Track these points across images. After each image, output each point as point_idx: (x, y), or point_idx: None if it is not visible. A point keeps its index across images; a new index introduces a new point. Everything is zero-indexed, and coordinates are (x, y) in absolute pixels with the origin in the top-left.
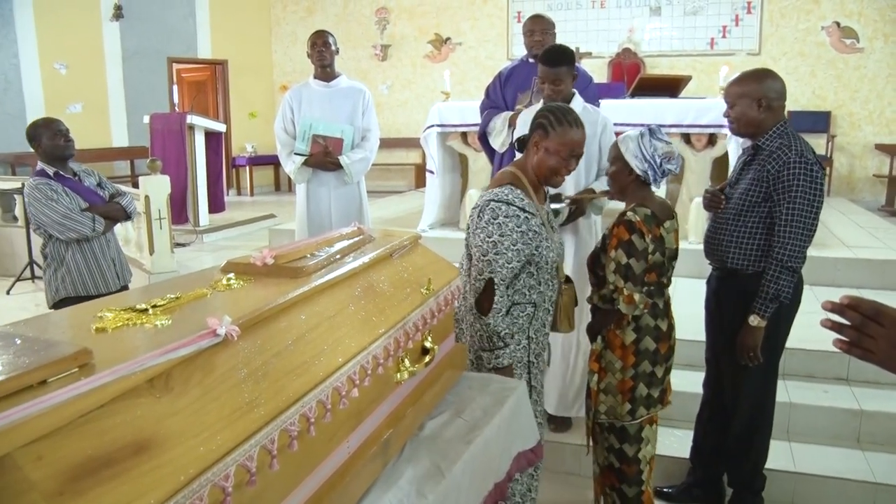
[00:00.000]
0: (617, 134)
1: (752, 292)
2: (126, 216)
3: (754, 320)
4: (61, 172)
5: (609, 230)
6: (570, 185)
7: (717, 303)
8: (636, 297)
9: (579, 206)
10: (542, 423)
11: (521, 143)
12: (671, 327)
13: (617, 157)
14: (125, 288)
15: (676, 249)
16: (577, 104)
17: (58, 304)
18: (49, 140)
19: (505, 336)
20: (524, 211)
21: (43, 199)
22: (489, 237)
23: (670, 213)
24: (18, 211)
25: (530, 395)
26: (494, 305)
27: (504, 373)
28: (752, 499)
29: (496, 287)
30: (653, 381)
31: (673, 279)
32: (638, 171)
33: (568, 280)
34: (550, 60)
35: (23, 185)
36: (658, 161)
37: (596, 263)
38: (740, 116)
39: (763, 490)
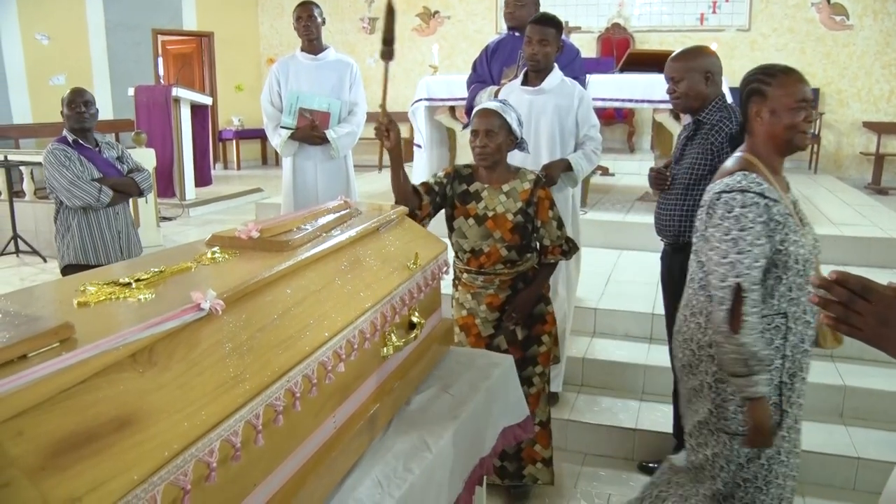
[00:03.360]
0: (602, 111)
1: None
2: (139, 192)
3: None
4: (81, 141)
5: (527, 199)
6: (545, 156)
7: (671, 277)
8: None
9: (550, 177)
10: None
11: (741, 131)
12: None
13: (502, 126)
14: None
15: None
16: (556, 77)
17: (64, 271)
18: (69, 109)
19: (764, 357)
20: (764, 197)
21: (56, 163)
22: (726, 235)
23: None
24: (26, 186)
25: (782, 420)
26: (746, 318)
27: (758, 405)
28: None
29: (745, 294)
30: None
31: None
32: (518, 138)
33: None
34: (540, 20)
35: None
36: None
37: (523, 234)
38: (689, 90)
39: None
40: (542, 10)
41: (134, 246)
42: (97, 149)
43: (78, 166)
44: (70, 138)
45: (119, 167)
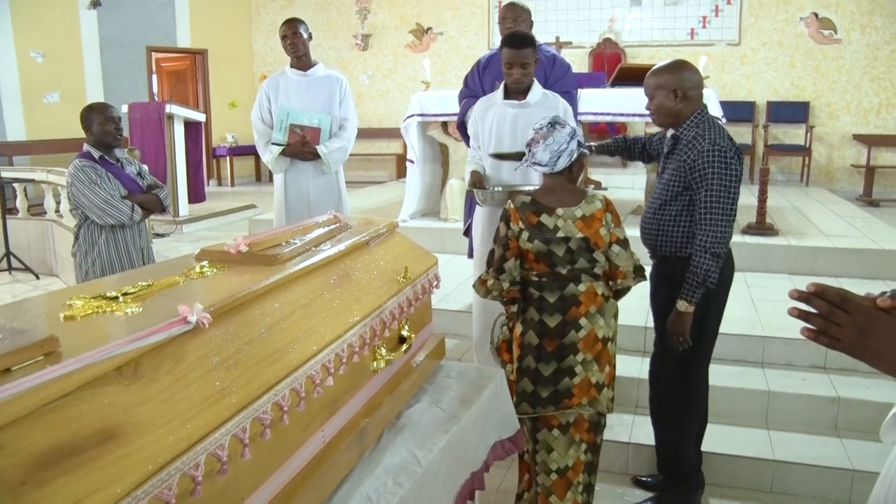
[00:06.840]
0: (594, 125)
1: (682, 278)
2: (162, 208)
3: (682, 305)
4: (106, 157)
5: None
6: (535, 175)
7: (652, 289)
8: (489, 282)
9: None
10: None
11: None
12: (567, 325)
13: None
14: None
15: (585, 238)
16: (537, 91)
17: None
18: (100, 125)
19: None
20: None
21: (87, 181)
22: None
23: (570, 202)
24: (20, 203)
25: None
26: None
27: None
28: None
29: None
30: (538, 378)
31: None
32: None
33: None
34: (516, 43)
35: None
36: (528, 147)
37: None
38: (658, 107)
39: (695, 492)
40: (534, 25)
41: (153, 261)
42: (119, 164)
43: (108, 184)
44: (96, 154)
45: (140, 183)
